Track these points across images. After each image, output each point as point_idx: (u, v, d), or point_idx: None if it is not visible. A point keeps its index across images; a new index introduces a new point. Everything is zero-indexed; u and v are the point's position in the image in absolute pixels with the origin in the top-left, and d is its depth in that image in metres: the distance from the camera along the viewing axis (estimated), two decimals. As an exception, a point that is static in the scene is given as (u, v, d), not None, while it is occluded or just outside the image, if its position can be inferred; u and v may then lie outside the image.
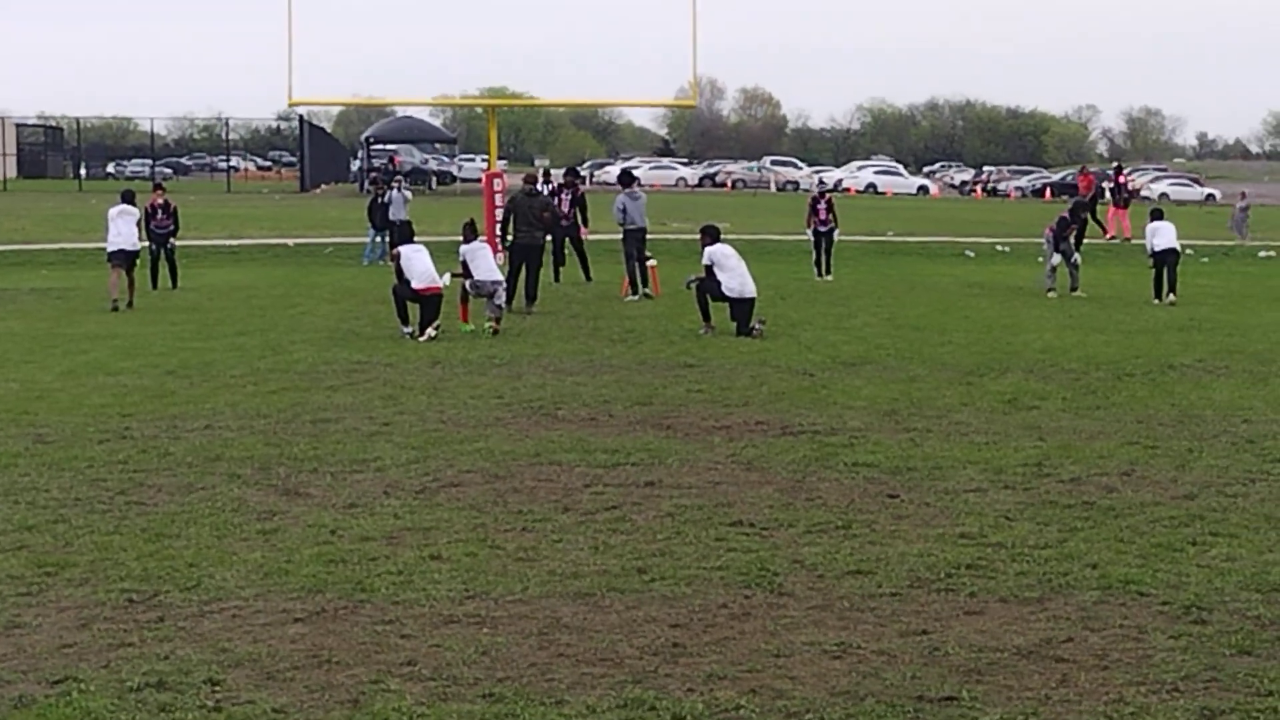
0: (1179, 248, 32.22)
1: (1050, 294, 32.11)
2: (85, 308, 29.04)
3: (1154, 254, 31.67)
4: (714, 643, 9.13)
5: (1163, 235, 31.75)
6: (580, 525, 12.01)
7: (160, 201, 33.56)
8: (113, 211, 30.24)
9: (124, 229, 29.71)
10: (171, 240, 33.51)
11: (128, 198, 31.01)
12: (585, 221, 35.07)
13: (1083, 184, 59.35)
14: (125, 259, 29.44)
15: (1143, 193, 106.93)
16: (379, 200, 41.83)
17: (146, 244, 32.03)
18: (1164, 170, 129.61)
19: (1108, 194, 56.40)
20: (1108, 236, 52.79)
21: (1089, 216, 54.18)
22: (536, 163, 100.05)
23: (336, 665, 8.71)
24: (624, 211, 32.03)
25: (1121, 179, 55.58)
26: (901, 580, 10.48)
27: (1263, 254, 48.24)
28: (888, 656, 8.87)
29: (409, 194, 42.74)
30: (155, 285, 32.73)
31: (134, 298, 29.46)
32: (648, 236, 32.21)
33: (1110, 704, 8.10)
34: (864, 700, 8.13)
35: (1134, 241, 50.48)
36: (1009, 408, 17.68)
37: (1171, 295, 31.01)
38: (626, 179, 34.25)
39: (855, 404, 17.81)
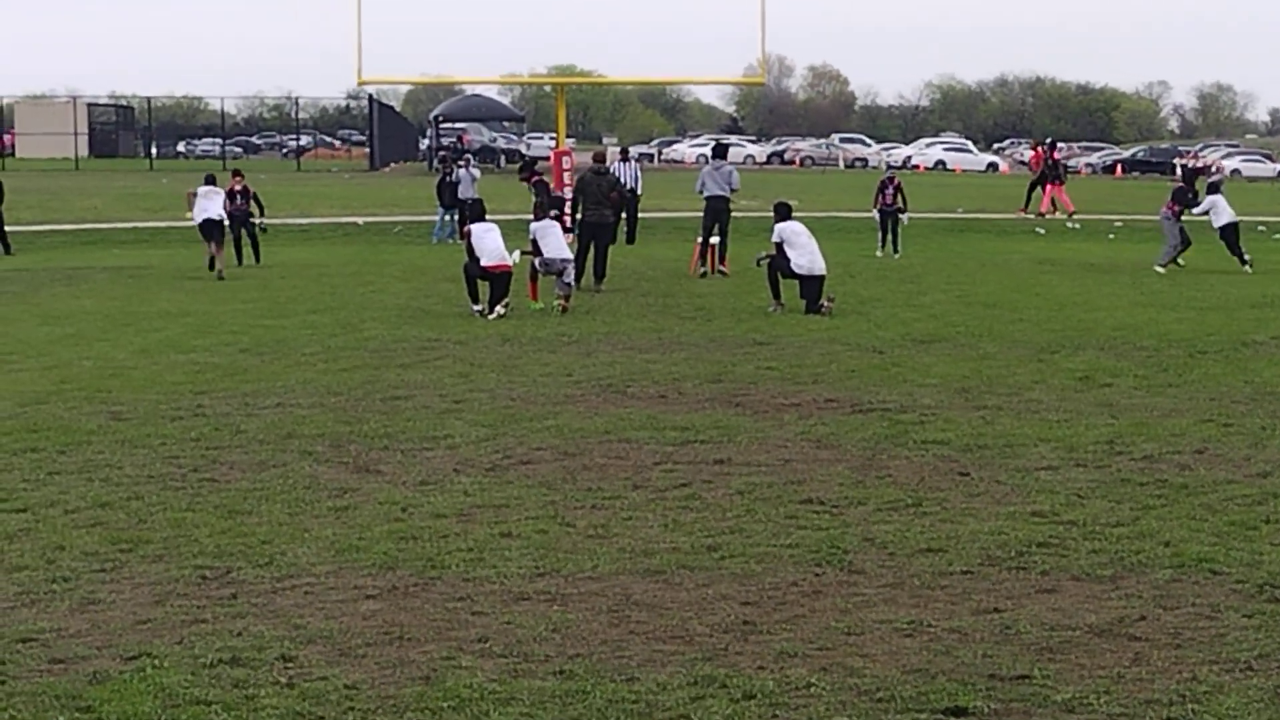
0: (1236, 219, 33.48)
1: (1159, 269, 32.23)
2: (159, 285, 29.23)
3: (1220, 229, 31.99)
4: (785, 620, 9.12)
5: (1220, 212, 32.00)
6: (651, 503, 12.01)
7: (239, 187, 34.16)
8: (202, 190, 32.38)
9: (209, 205, 32.10)
10: (253, 220, 34.31)
11: (210, 180, 33.08)
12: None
13: (1034, 159, 58.84)
14: (215, 228, 31.86)
15: (1213, 169, 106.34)
16: (447, 179, 41.93)
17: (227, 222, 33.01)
18: (1236, 146, 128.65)
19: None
20: (1040, 212, 52.45)
21: (1026, 192, 54.10)
22: (605, 141, 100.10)
23: (409, 642, 8.74)
24: (703, 184, 31.84)
25: (1056, 155, 54.87)
26: (974, 558, 10.45)
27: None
28: (960, 634, 8.85)
29: (477, 172, 42.84)
30: (240, 261, 33.80)
31: (223, 269, 31.24)
32: (730, 212, 31.87)
33: (1184, 682, 8.06)
34: (936, 678, 8.11)
35: (1080, 216, 50.40)
36: (1082, 385, 17.60)
37: (1247, 266, 31.21)
38: (718, 151, 34.34)
39: (927, 381, 17.75)
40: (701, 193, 31.76)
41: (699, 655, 8.50)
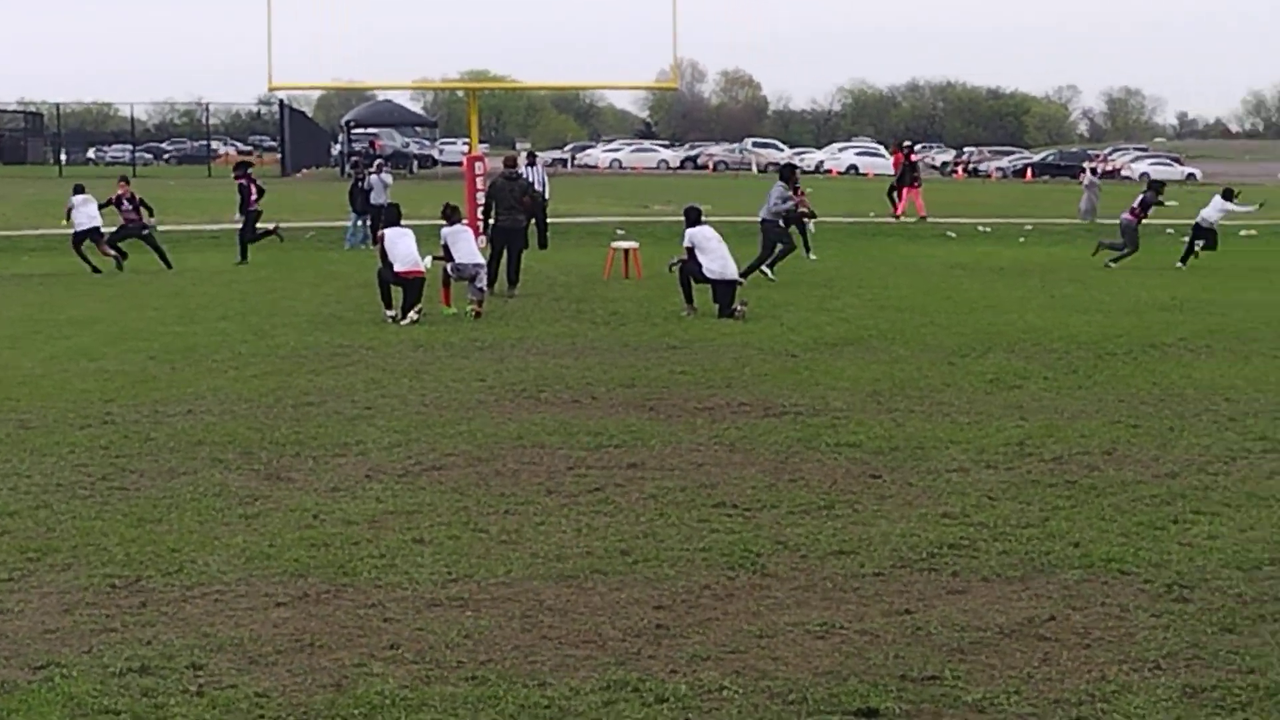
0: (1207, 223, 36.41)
1: (1112, 265, 34.43)
2: (68, 293, 29.01)
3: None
4: (697, 624, 9.13)
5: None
6: (564, 508, 12.00)
7: (126, 194, 34.36)
8: (77, 200, 34.34)
9: (90, 212, 34.21)
10: (147, 229, 34.41)
11: (80, 189, 35.14)
12: None
13: (894, 161, 59.22)
14: (97, 235, 34.01)
15: (1123, 172, 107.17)
16: (359, 184, 41.78)
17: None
18: (1145, 150, 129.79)
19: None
20: (895, 213, 52.67)
21: (888, 196, 54.36)
22: (518, 146, 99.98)
23: (320, 649, 8.70)
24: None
25: (914, 158, 55.21)
26: (885, 560, 10.49)
27: (1244, 233, 48.26)
28: (871, 636, 8.88)
29: (389, 178, 42.68)
30: (169, 265, 34.43)
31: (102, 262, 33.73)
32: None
33: (1092, 682, 8.11)
34: (847, 680, 8.14)
35: (931, 220, 50.67)
36: (992, 387, 17.70)
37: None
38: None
39: (839, 385, 17.81)
40: None
41: (611, 660, 8.50)
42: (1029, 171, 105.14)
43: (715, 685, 8.08)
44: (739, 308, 24.37)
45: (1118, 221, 36.86)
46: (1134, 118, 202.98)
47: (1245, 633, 8.92)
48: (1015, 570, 10.24)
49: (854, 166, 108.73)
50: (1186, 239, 36.93)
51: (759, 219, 31.21)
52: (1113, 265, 34.76)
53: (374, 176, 41.56)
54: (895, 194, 54.03)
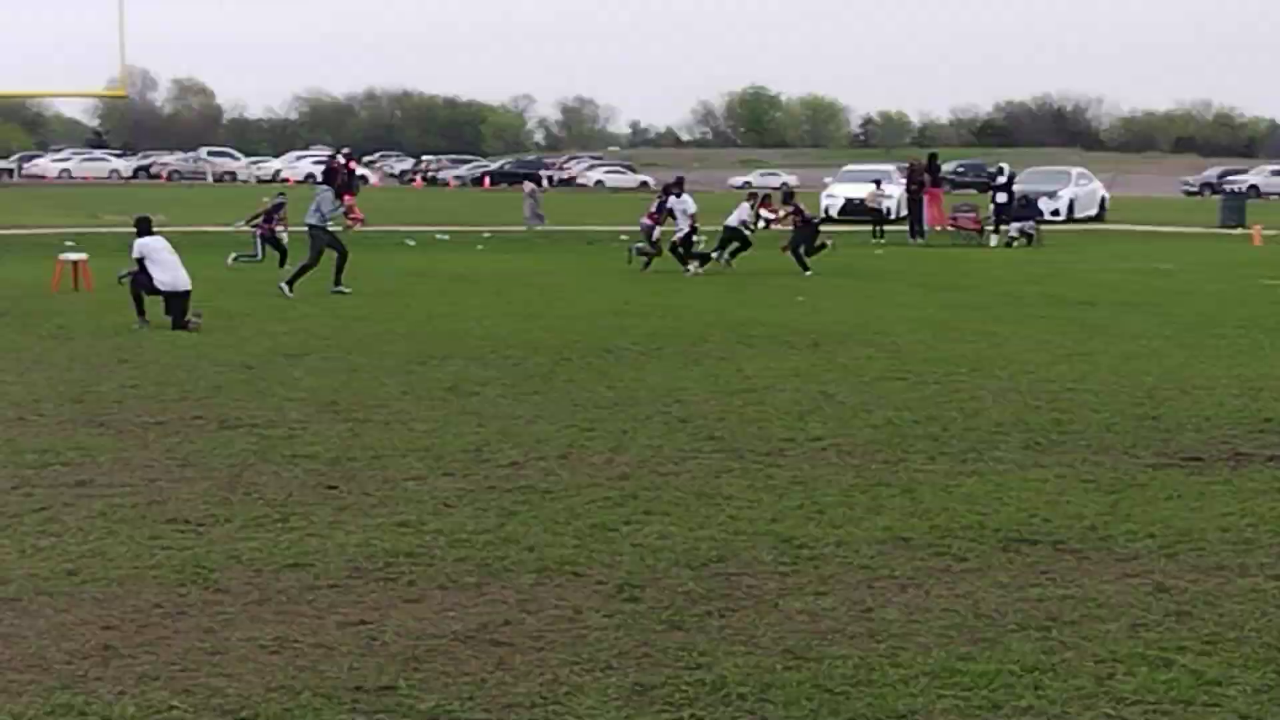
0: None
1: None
2: None
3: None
4: (147, 643, 8.89)
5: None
6: (7, 529, 11.55)
7: None
8: None
9: None
10: None
11: None
12: None
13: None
14: None
15: (579, 180, 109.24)
16: None
17: None
18: (600, 158, 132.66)
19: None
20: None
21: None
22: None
23: None
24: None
25: (351, 165, 56.14)
26: (340, 571, 10.40)
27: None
28: (325, 649, 8.78)
29: None
30: None
31: None
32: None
33: (546, 684, 8.18)
34: (301, 694, 8.02)
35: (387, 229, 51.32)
36: (450, 395, 17.77)
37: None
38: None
39: (295, 395, 17.64)
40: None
41: (56, 683, 8.21)
42: (486, 180, 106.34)
43: (164, 704, 7.88)
44: (193, 319, 23.94)
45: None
46: (589, 126, 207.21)
47: (693, 630, 9.12)
48: (471, 576, 10.27)
49: (311, 175, 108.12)
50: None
51: (306, 224, 30.82)
52: (646, 269, 36.43)
53: None
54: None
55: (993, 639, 8.96)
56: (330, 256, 30.61)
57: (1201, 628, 9.19)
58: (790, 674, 8.32)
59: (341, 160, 55.05)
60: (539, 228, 55.37)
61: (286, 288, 29.68)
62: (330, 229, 31.21)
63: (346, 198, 52.85)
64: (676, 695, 8.02)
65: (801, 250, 36.61)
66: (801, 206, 38.61)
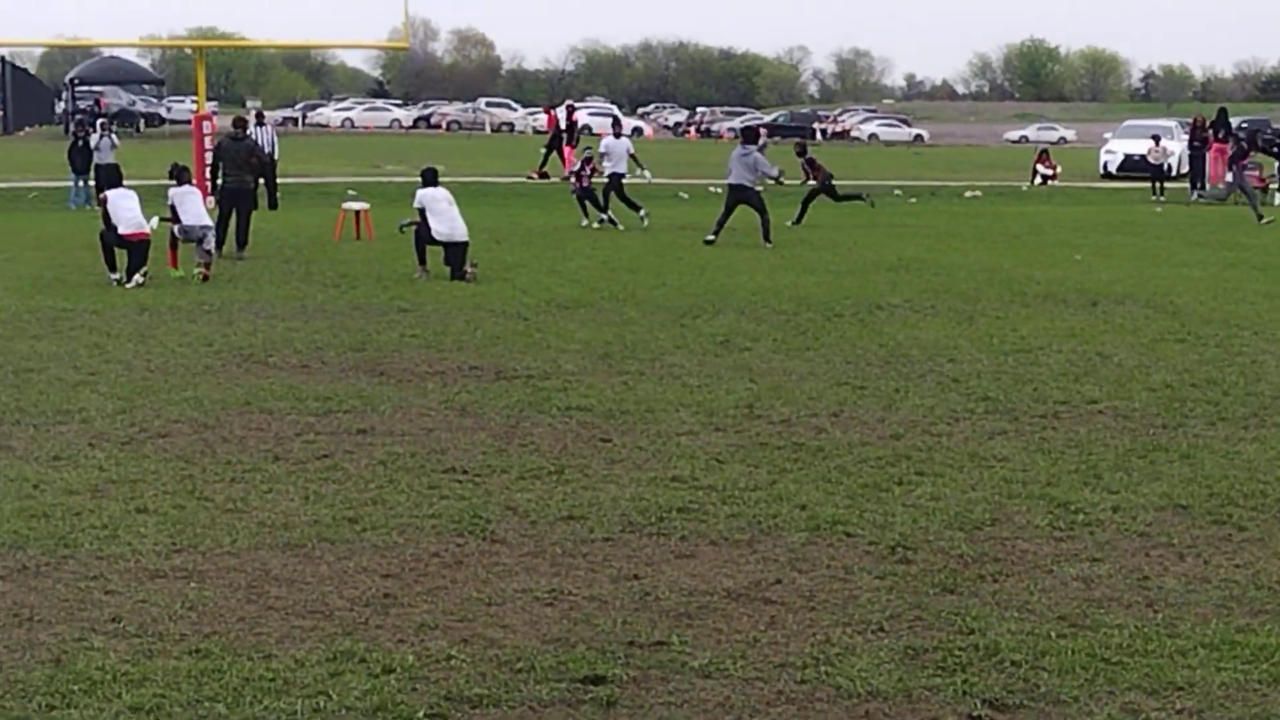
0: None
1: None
2: None
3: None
4: (426, 592, 9.07)
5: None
6: (291, 475, 11.85)
7: None
8: None
9: None
10: None
11: None
12: None
13: (548, 120, 60.09)
14: None
15: (853, 134, 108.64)
16: (79, 143, 41.00)
17: None
18: (874, 111, 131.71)
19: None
20: (565, 175, 53.49)
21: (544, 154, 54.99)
22: (248, 104, 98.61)
23: (39, 623, 8.50)
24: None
25: (574, 118, 56.19)
26: (614, 525, 10.51)
27: (969, 194, 49.20)
28: (599, 602, 8.89)
29: (116, 138, 41.92)
30: None
31: None
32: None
33: (817, 645, 8.20)
34: (575, 647, 8.13)
35: (662, 181, 51.20)
36: (721, 349, 17.83)
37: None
38: (747, 135, 35.71)
39: (569, 347, 17.83)
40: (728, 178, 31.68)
41: (337, 630, 8.41)
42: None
43: (443, 654, 8.03)
44: (469, 270, 24.28)
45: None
46: (863, 79, 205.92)
47: (965, 593, 9.08)
48: (742, 533, 10.32)
49: (587, 126, 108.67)
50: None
51: (737, 183, 31.05)
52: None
53: (99, 137, 40.78)
54: (554, 153, 54.53)
55: (1274, 611, 8.80)
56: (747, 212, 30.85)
57: None
58: (1064, 642, 8.24)
59: (562, 114, 55.43)
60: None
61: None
62: (756, 187, 31.38)
63: (566, 150, 53.61)
64: (949, 660, 7.98)
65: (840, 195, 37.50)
66: (815, 159, 38.11)
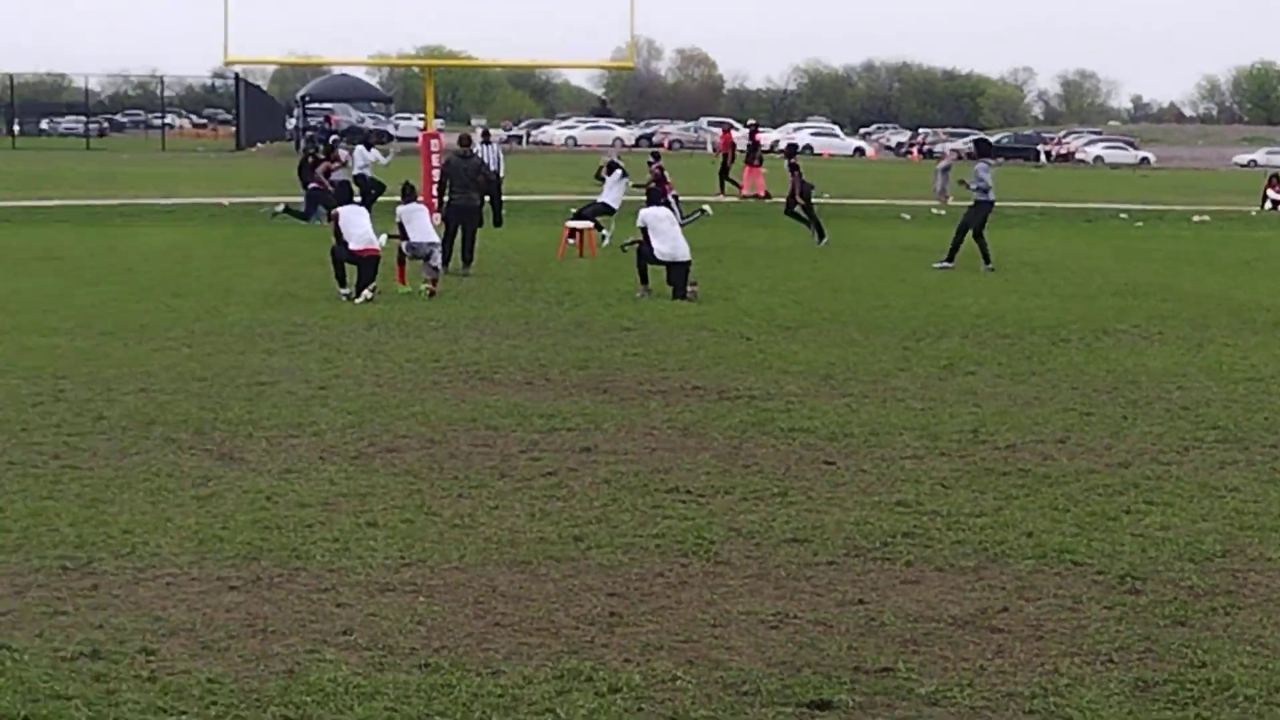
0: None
1: None
2: (17, 268, 28.78)
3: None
4: (651, 612, 9.12)
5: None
6: (517, 492, 11.98)
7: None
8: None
9: None
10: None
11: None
12: None
13: (721, 142, 60.07)
14: None
15: (1077, 155, 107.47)
16: (309, 159, 41.79)
17: None
18: (1099, 133, 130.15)
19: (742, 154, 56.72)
20: (742, 194, 53.38)
21: (724, 177, 54.99)
22: (473, 122, 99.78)
23: (272, 634, 8.66)
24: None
25: (756, 138, 55.90)
26: (838, 549, 10.49)
27: (1196, 219, 48.46)
28: (825, 626, 8.88)
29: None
30: None
31: None
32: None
33: (1045, 675, 8.13)
34: (801, 671, 8.13)
35: (884, 203, 50.83)
36: (946, 373, 17.72)
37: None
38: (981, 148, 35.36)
39: (792, 368, 17.81)
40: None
41: (564, 648, 8.48)
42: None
43: (668, 675, 8.07)
44: (691, 289, 24.35)
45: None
46: (1089, 100, 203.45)
47: (1197, 626, 8.95)
48: (968, 560, 10.26)
49: (809, 146, 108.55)
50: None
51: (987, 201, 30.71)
52: None
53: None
54: (727, 177, 55.37)
55: None
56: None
57: None
58: (1300, 678, 8.10)
59: (744, 132, 55.99)
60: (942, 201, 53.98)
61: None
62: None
63: (750, 170, 53.76)
64: (1180, 694, 7.88)
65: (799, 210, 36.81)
66: (797, 164, 37.47)
